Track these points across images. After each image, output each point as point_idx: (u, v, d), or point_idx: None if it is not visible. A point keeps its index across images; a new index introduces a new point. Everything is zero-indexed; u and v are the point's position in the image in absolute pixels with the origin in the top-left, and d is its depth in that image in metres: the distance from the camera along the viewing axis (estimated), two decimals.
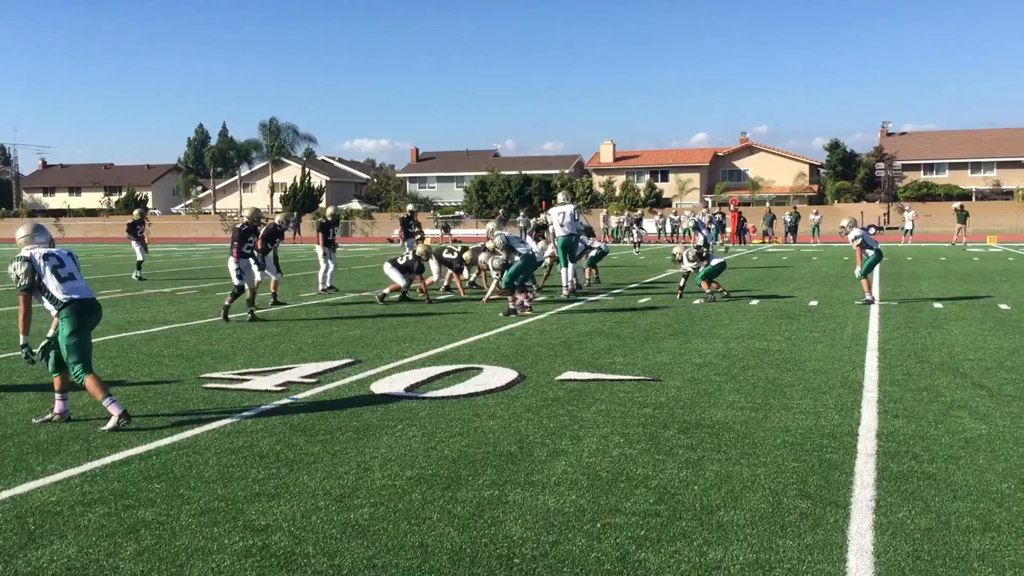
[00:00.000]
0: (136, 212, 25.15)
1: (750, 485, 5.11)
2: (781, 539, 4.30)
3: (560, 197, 16.35)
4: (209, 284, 20.72)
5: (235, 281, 13.15)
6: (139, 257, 22.97)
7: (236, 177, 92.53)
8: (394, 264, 15.66)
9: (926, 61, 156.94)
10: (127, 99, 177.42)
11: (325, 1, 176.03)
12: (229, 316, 13.16)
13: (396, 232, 31.60)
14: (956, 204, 40.75)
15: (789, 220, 45.85)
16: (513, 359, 9.46)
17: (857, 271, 14.81)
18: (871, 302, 14.33)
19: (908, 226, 42.40)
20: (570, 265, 16.03)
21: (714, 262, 15.58)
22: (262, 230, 14.28)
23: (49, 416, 6.84)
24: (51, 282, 6.62)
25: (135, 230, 23.59)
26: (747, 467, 5.46)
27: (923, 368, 8.71)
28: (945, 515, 4.59)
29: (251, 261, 13.51)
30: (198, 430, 6.53)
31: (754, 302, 14.99)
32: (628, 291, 17.42)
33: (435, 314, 13.73)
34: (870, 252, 14.60)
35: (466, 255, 16.50)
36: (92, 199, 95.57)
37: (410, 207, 24.58)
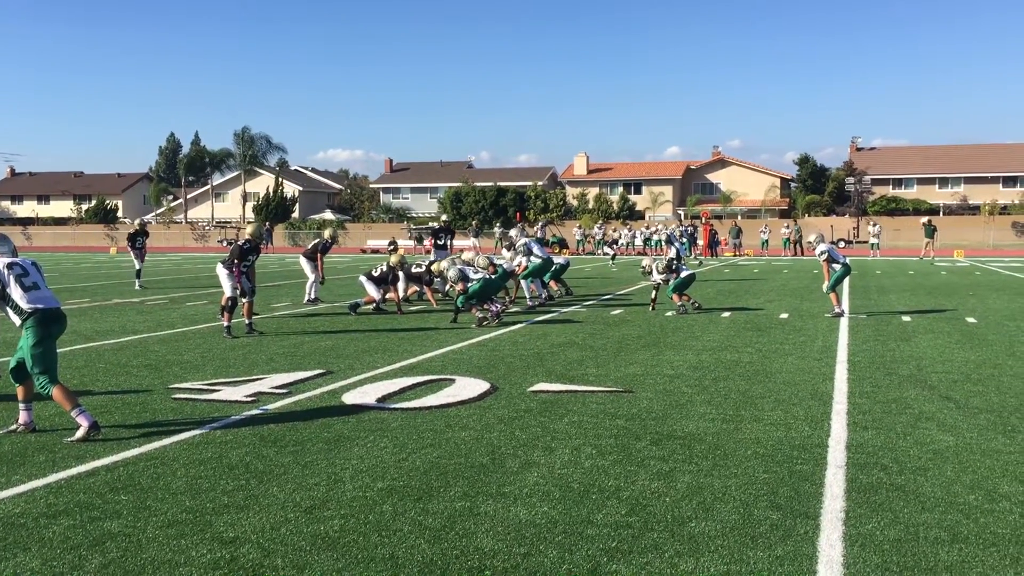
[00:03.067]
0: (136, 223, 25.16)
1: (721, 496, 5.13)
2: (752, 550, 4.31)
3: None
4: (179, 294, 20.53)
5: (228, 292, 12.63)
6: (137, 266, 23.17)
7: (208, 186, 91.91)
8: (369, 276, 15.62)
9: (897, 77, 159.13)
10: (98, 107, 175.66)
11: (300, 11, 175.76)
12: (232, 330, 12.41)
13: (427, 242, 31.32)
14: (924, 219, 41.26)
15: (764, 234, 46.25)
16: (485, 370, 9.45)
17: (825, 285, 14.95)
18: (840, 315, 14.48)
19: (874, 240, 42.87)
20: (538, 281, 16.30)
21: (683, 274, 15.69)
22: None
23: (14, 427, 6.73)
24: (15, 292, 6.52)
25: (135, 240, 23.74)
26: (718, 478, 5.48)
27: (892, 380, 8.80)
28: (914, 526, 4.63)
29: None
30: (166, 441, 6.45)
31: (726, 314, 15.08)
32: (601, 303, 17.46)
33: (407, 325, 13.69)
34: (837, 266, 14.75)
35: (435, 266, 16.41)
36: (62, 207, 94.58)
37: (444, 217, 22.21)
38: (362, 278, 15.73)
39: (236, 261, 12.55)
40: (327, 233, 18.02)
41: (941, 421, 7.00)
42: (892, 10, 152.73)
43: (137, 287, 22.32)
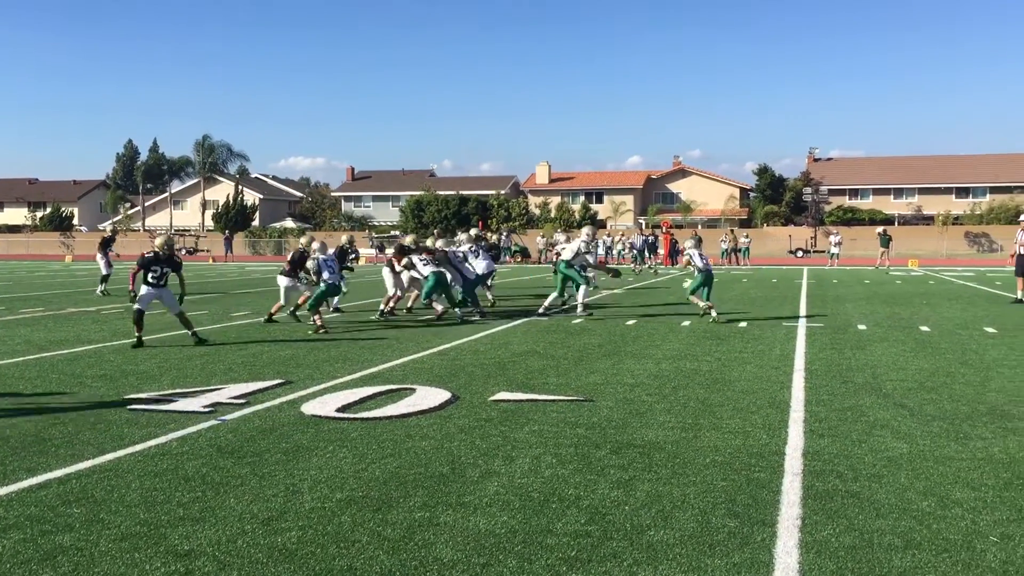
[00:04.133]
0: (108, 229, 25.02)
1: (680, 504, 5.16)
2: (709, 558, 4.34)
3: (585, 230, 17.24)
4: None
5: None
6: (104, 272, 23.11)
7: (167, 194, 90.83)
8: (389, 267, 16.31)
9: (854, 89, 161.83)
10: (53, 112, 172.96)
11: (260, 17, 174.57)
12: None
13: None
14: (879, 229, 42.07)
15: (725, 244, 46.64)
16: (446, 379, 9.43)
17: (686, 285, 15.88)
18: (708, 314, 15.51)
19: (834, 250, 43.49)
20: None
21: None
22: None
23: None
24: None
25: (106, 247, 23.60)
26: (677, 487, 5.51)
27: (847, 388, 8.92)
28: (868, 533, 4.69)
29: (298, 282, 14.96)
30: (120, 453, 6.35)
31: (685, 323, 15.20)
32: (562, 312, 17.50)
33: (368, 335, 13.62)
34: (696, 271, 15.49)
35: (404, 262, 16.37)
36: (16, 215, 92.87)
37: (474, 231, 21.67)
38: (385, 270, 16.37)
39: (138, 269, 12.47)
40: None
41: (895, 429, 7.11)
42: (849, 23, 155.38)
43: (98, 292, 22.39)
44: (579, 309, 16.38)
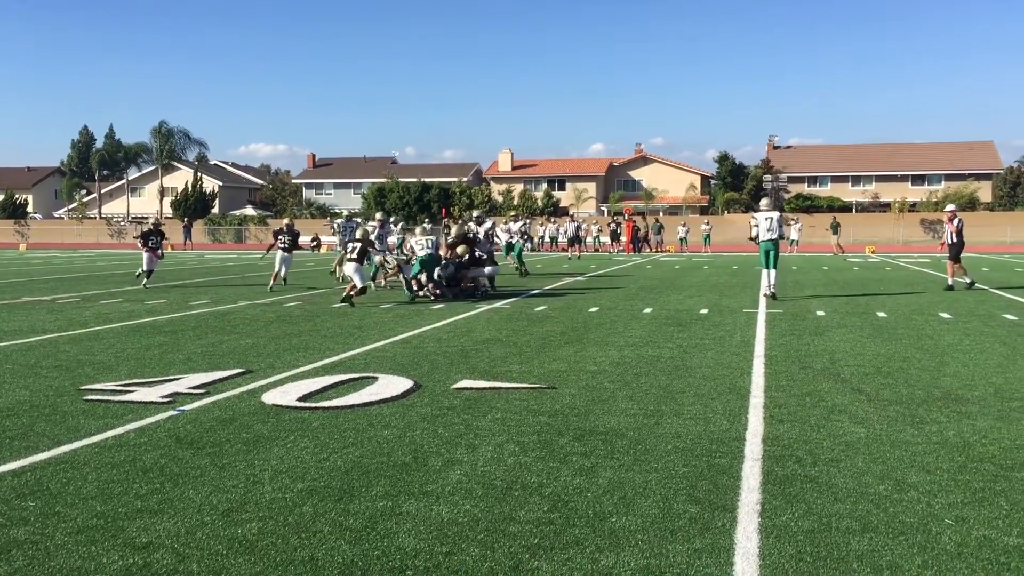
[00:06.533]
0: (151, 221, 23.78)
1: (642, 491, 5.19)
2: (671, 544, 4.37)
3: (763, 203, 18.32)
4: (92, 292, 19.92)
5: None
6: (145, 267, 21.18)
7: (123, 181, 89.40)
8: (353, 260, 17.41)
9: (812, 77, 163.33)
10: (5, 98, 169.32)
11: (219, 3, 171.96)
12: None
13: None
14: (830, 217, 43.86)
15: (683, 231, 47.02)
16: (409, 368, 9.39)
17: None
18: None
19: (794, 236, 44.00)
20: None
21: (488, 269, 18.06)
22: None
23: None
24: None
25: (148, 239, 21.54)
26: (639, 473, 5.54)
27: (806, 374, 9.02)
28: (827, 517, 4.75)
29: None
30: (76, 444, 6.25)
31: (647, 310, 15.28)
32: (524, 299, 17.52)
33: (329, 323, 13.53)
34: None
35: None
36: None
37: (476, 213, 23.62)
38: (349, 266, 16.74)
39: (275, 239, 18.52)
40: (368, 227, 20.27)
41: (853, 413, 7.21)
42: (810, 13, 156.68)
43: (144, 285, 20.62)
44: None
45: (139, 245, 22.04)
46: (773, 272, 17.17)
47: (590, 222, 52.24)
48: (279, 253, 20.24)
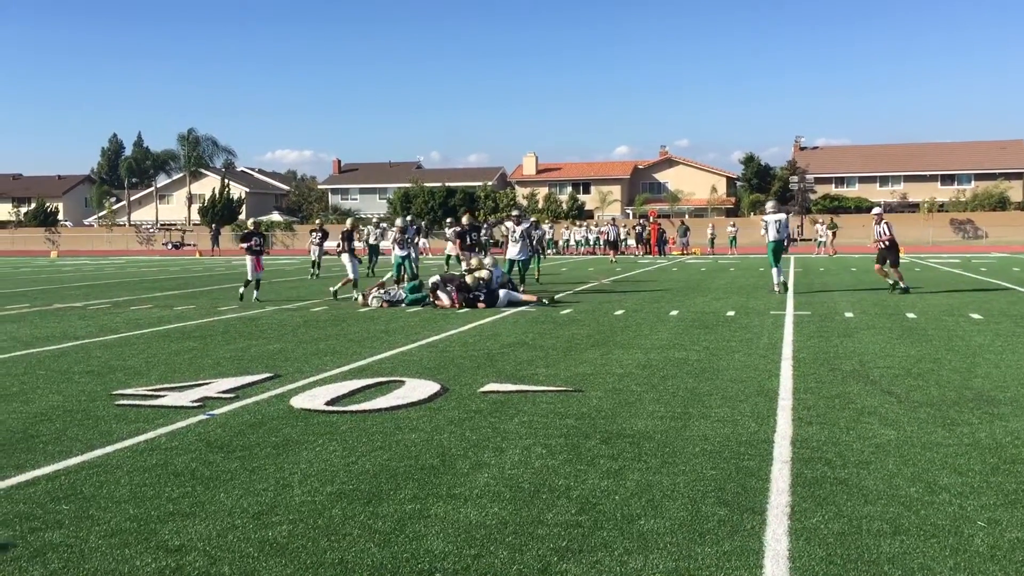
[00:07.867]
0: (349, 222, 22.48)
1: (670, 493, 5.17)
2: (700, 546, 4.36)
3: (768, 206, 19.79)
4: (123, 298, 20.15)
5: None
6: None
7: (152, 188, 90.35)
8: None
9: (839, 78, 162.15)
10: (37, 107, 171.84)
11: (246, 10, 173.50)
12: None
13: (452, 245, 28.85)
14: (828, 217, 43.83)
15: (711, 233, 46.87)
16: (435, 371, 9.42)
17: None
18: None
19: (822, 238, 43.71)
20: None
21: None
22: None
23: None
24: None
25: (250, 240, 19.23)
26: (667, 476, 5.53)
27: (835, 376, 8.95)
28: (857, 519, 4.72)
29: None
30: (109, 448, 6.33)
31: (673, 312, 15.23)
32: (551, 302, 17.51)
33: (356, 328, 13.60)
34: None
35: (474, 262, 18.57)
36: (0, 210, 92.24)
37: (465, 219, 23.21)
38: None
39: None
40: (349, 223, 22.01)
41: (883, 415, 7.15)
42: (837, 12, 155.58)
43: (255, 299, 18.50)
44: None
45: (243, 249, 19.18)
46: (780, 270, 18.40)
47: (619, 224, 52.19)
48: (344, 256, 20.82)
